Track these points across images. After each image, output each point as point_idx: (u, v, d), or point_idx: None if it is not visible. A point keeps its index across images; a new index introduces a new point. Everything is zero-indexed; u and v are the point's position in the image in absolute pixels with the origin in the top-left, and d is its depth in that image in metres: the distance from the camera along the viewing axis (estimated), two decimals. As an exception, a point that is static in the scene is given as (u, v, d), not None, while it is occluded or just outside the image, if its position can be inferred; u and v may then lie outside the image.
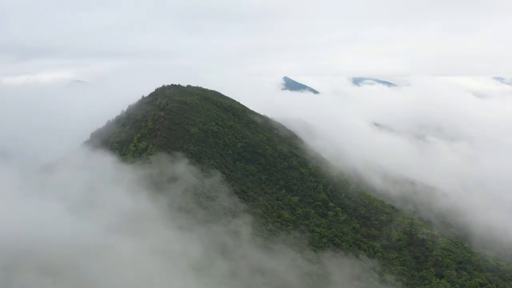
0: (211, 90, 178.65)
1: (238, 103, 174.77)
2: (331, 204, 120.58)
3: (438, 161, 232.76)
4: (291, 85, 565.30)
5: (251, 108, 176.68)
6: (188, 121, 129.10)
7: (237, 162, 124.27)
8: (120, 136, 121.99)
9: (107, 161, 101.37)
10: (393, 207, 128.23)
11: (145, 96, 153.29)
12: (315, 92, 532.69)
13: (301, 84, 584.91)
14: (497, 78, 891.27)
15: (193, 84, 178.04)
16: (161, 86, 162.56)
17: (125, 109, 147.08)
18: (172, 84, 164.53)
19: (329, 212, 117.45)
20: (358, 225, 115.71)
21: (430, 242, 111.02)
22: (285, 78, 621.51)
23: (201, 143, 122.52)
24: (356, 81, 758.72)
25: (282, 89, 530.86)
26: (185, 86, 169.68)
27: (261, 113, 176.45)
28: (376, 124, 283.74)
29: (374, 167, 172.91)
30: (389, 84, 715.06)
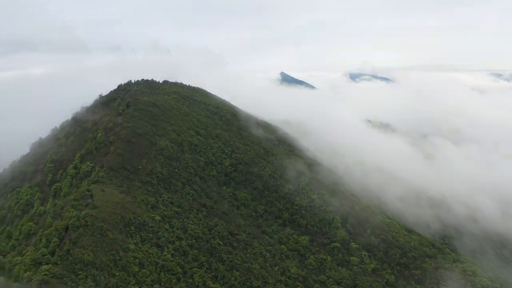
0: (194, 87, 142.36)
1: (229, 103, 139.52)
2: (353, 245, 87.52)
3: (452, 168, 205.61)
4: (288, 80, 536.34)
5: (246, 108, 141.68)
6: (157, 130, 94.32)
7: (224, 188, 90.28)
8: (59, 152, 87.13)
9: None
10: (434, 246, 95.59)
11: (103, 95, 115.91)
12: (312, 87, 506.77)
13: (298, 80, 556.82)
14: (494, 74, 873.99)
15: (186, 82, 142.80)
16: (126, 81, 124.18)
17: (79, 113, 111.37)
18: (142, 79, 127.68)
19: (352, 258, 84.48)
20: (393, 277, 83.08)
21: (496, 303, 78.94)
22: (282, 74, 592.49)
23: (173, 162, 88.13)
24: (353, 77, 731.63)
25: (279, 85, 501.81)
26: (160, 82, 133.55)
27: (258, 113, 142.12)
28: (375, 123, 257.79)
29: (388, 179, 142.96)
30: (387, 80, 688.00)
